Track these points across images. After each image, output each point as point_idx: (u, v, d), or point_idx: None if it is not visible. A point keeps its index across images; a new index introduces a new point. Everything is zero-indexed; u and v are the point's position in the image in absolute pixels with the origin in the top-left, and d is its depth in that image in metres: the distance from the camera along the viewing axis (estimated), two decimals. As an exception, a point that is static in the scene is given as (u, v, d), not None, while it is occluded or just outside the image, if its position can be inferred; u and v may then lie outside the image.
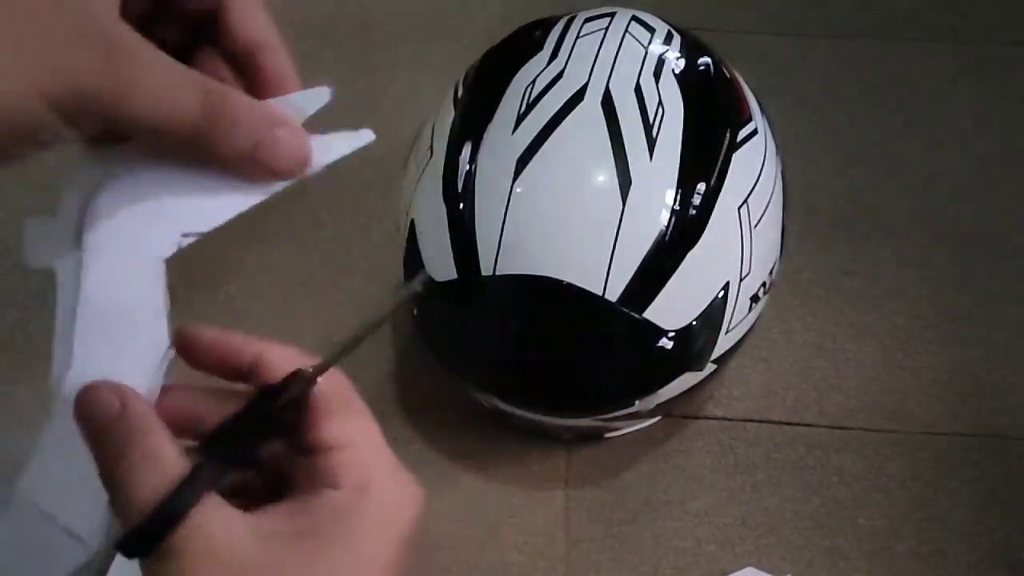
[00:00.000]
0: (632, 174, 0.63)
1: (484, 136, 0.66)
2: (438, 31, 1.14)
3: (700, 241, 0.65)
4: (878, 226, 0.96)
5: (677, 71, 0.67)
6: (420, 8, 1.18)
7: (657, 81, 0.66)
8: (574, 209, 0.64)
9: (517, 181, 0.64)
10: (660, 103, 0.65)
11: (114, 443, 0.33)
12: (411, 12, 1.17)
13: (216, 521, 0.33)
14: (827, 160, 1.01)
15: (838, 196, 0.98)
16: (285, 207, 0.94)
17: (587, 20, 0.70)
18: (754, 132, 0.69)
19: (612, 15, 0.70)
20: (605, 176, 0.63)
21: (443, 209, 0.67)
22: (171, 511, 0.32)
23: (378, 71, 1.10)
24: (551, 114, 0.64)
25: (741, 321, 0.69)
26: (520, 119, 0.65)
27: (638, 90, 0.65)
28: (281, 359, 0.37)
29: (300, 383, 0.36)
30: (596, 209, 0.63)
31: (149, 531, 0.32)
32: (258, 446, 0.36)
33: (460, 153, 0.67)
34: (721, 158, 0.66)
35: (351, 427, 0.36)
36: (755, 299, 0.70)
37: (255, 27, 0.36)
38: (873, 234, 0.95)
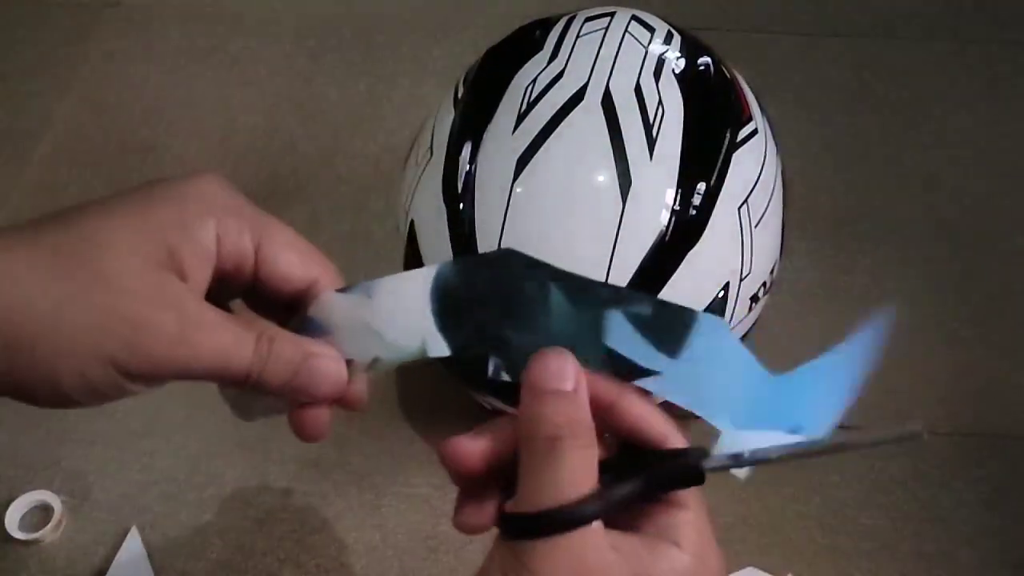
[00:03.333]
0: (632, 174, 0.63)
1: (484, 136, 0.66)
2: (438, 31, 1.14)
3: (700, 241, 0.65)
4: (879, 226, 0.96)
5: (677, 71, 0.67)
6: (421, 8, 1.18)
7: (657, 81, 0.66)
8: (574, 209, 0.64)
9: (517, 181, 0.64)
10: (660, 103, 0.65)
11: (565, 414, 0.37)
12: (412, 12, 1.17)
13: (597, 539, 0.36)
14: (828, 160, 1.01)
15: (839, 196, 0.98)
16: (285, 207, 0.94)
17: (587, 20, 0.70)
18: (754, 132, 0.69)
19: (612, 15, 0.70)
20: (605, 176, 0.63)
21: (443, 209, 0.67)
22: (581, 513, 0.35)
23: (379, 71, 1.10)
24: (551, 114, 0.64)
25: (741, 321, 0.69)
26: (520, 119, 0.65)
27: (638, 90, 0.65)
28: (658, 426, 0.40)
29: (696, 459, 0.39)
30: (596, 209, 0.63)
31: (557, 518, 0.35)
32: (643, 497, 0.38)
33: (460, 153, 0.67)
34: (721, 158, 0.66)
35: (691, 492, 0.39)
36: (755, 299, 0.70)
37: (295, 267, 0.40)
38: (874, 234, 0.95)
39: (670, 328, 0.38)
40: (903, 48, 1.13)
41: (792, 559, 0.75)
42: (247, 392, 0.40)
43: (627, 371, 0.39)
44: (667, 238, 0.64)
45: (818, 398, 0.41)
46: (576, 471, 0.36)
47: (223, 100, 1.08)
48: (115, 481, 0.78)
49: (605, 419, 0.39)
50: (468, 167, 0.66)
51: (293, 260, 0.40)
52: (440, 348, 0.40)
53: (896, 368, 0.86)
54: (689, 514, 0.39)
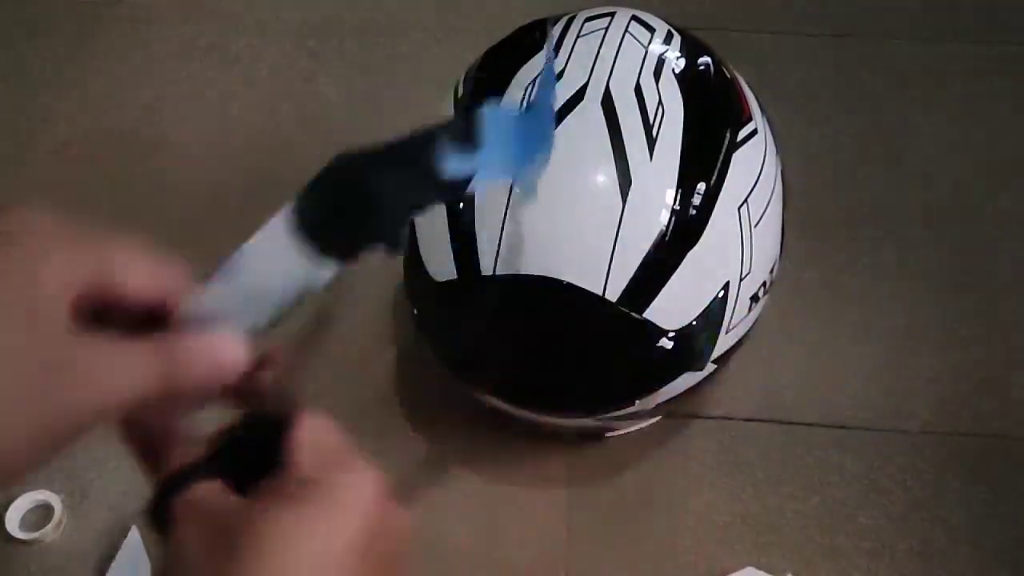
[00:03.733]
0: (632, 174, 0.63)
1: (484, 136, 0.66)
2: (438, 31, 1.14)
3: (700, 241, 0.65)
4: (879, 225, 0.96)
5: (677, 71, 0.67)
6: (420, 8, 1.18)
7: (657, 81, 0.66)
8: (574, 209, 0.64)
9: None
10: (660, 103, 0.65)
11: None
12: (412, 12, 1.17)
13: (207, 492, 0.38)
14: (828, 159, 1.01)
15: (839, 195, 0.98)
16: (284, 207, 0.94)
17: (587, 20, 0.70)
18: (754, 132, 0.69)
19: (612, 15, 0.70)
20: (605, 176, 0.63)
21: (443, 209, 0.67)
22: (176, 484, 0.38)
23: (378, 71, 1.10)
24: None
25: (741, 321, 0.69)
26: (520, 119, 0.65)
27: (638, 90, 0.65)
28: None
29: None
30: (596, 209, 0.63)
31: (161, 499, 0.38)
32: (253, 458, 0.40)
33: (460, 153, 0.67)
34: (721, 158, 0.66)
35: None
36: (755, 299, 0.70)
37: (144, 281, 0.39)
38: (874, 233, 0.95)
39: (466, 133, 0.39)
40: (903, 48, 1.13)
41: (791, 558, 0.75)
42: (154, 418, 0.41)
43: (461, 185, 0.39)
44: (667, 238, 0.64)
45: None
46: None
47: (223, 99, 1.08)
48: (115, 480, 0.78)
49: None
50: (468, 167, 0.66)
51: (138, 274, 0.38)
52: (324, 276, 0.40)
53: (896, 368, 0.86)
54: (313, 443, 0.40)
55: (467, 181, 0.38)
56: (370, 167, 0.39)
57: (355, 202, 0.39)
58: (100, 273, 0.37)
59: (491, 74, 0.70)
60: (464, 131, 0.38)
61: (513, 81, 0.67)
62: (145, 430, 0.42)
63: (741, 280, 0.67)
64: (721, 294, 0.66)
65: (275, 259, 0.39)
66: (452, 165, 0.38)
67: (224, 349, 0.39)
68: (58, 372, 0.35)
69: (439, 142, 0.38)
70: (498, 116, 0.39)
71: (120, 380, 0.36)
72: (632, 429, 0.80)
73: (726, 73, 0.71)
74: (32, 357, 0.35)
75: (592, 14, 0.70)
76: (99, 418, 0.36)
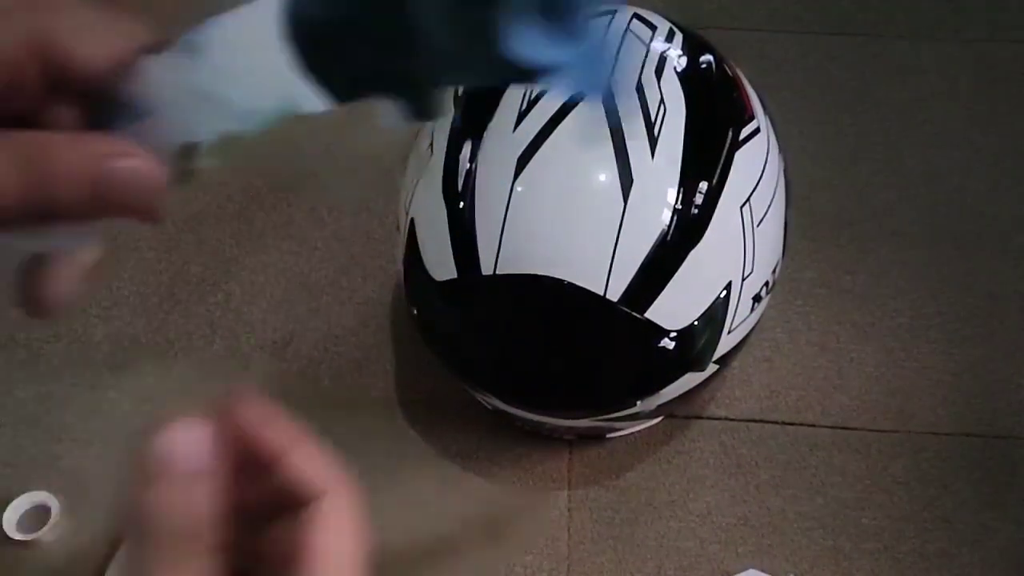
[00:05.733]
0: (633, 173, 0.63)
1: (484, 135, 0.66)
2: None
3: (702, 240, 0.64)
4: (881, 225, 0.96)
5: (679, 69, 0.67)
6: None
7: (659, 79, 0.66)
8: (575, 208, 0.63)
9: (518, 180, 0.64)
10: (662, 101, 0.65)
11: (171, 506, 0.29)
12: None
13: None
14: (829, 159, 1.01)
15: (841, 195, 0.98)
16: (285, 206, 0.94)
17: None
18: (756, 131, 0.69)
19: (614, 13, 0.69)
20: (606, 175, 0.63)
21: (443, 208, 0.66)
22: None
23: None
24: (551, 113, 0.64)
25: (743, 321, 0.69)
26: (520, 118, 0.65)
27: (640, 88, 0.65)
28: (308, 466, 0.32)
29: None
30: (597, 208, 0.63)
31: None
32: None
33: (460, 152, 0.67)
34: (723, 157, 0.66)
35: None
36: (757, 299, 0.70)
37: (93, 47, 0.31)
38: (876, 233, 0.95)
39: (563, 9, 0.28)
40: (904, 47, 1.13)
41: (793, 560, 0.74)
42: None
43: (526, 75, 0.28)
44: (669, 237, 0.63)
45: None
46: None
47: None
48: (113, 480, 0.78)
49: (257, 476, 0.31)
50: (468, 166, 0.66)
51: (89, 40, 0.30)
52: (312, 102, 0.30)
53: (897, 368, 0.85)
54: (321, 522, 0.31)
55: (535, 72, 0.28)
56: None
57: (381, 28, 0.28)
58: (44, 33, 0.30)
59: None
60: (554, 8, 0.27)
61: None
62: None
63: (743, 280, 0.67)
64: (723, 294, 0.66)
65: (252, 57, 0.30)
66: (524, 42, 0.27)
67: (127, 164, 0.29)
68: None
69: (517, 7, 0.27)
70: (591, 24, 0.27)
71: None
72: (634, 430, 0.79)
73: (728, 71, 0.71)
74: None
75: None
76: None
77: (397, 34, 0.28)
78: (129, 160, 0.29)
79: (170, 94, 0.30)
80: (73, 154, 0.29)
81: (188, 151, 0.31)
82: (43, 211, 0.29)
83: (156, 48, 0.31)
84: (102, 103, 0.30)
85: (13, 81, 0.30)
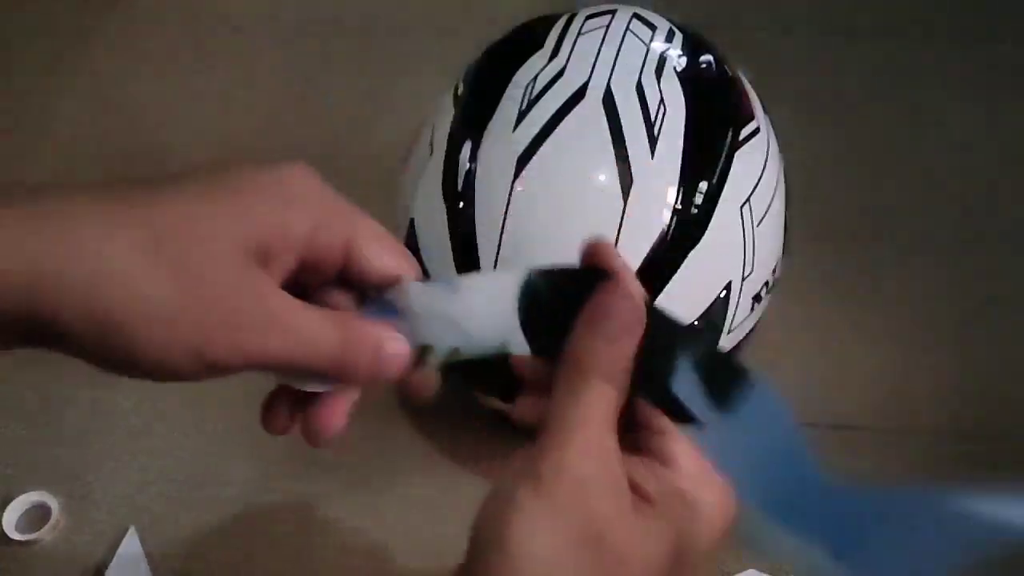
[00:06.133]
0: (633, 173, 0.63)
1: (484, 134, 0.66)
2: (439, 29, 1.14)
3: (702, 240, 0.64)
4: (882, 225, 0.95)
5: (679, 69, 0.67)
6: (421, 6, 1.18)
7: (659, 79, 0.66)
8: (575, 208, 0.63)
9: (518, 180, 0.63)
10: (662, 101, 0.65)
11: (611, 359, 0.39)
12: (412, 11, 1.17)
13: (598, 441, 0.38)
14: (830, 158, 1.01)
15: (841, 195, 0.98)
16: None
17: (588, 18, 0.69)
18: (756, 130, 0.69)
19: (613, 13, 0.69)
20: (606, 175, 0.63)
21: (443, 208, 0.66)
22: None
23: (379, 70, 1.09)
24: (552, 112, 0.64)
25: (743, 321, 0.69)
26: (521, 117, 0.65)
27: (639, 88, 0.65)
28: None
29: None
30: (597, 208, 0.63)
31: None
32: None
33: (460, 151, 0.67)
34: (723, 157, 0.66)
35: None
36: (757, 299, 0.69)
37: (385, 264, 0.41)
38: (877, 233, 0.95)
39: (726, 381, 0.39)
40: (905, 47, 1.12)
41: (794, 560, 0.74)
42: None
43: (679, 414, 0.39)
44: (669, 237, 0.63)
45: (883, 537, 0.36)
46: (601, 406, 0.38)
47: (225, 99, 1.07)
48: (113, 481, 0.78)
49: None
50: (468, 166, 0.66)
51: (382, 256, 0.41)
52: (521, 348, 0.41)
53: (898, 368, 0.85)
54: (684, 444, 0.40)
55: (692, 416, 0.38)
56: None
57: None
58: (350, 242, 0.40)
59: (492, 72, 0.69)
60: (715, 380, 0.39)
61: (513, 80, 0.67)
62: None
63: (743, 280, 0.67)
64: (723, 294, 0.66)
65: (487, 308, 0.41)
66: (688, 393, 0.38)
67: (395, 347, 0.40)
68: (251, 318, 0.37)
69: (685, 365, 0.38)
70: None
71: (295, 344, 0.38)
72: (634, 430, 0.79)
73: (728, 71, 0.71)
74: (237, 293, 0.37)
75: (593, 12, 0.70)
76: (256, 368, 0.38)
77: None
78: (397, 345, 0.40)
79: (425, 311, 0.41)
80: (369, 329, 0.40)
81: (422, 352, 0.41)
82: (343, 371, 0.40)
83: (419, 278, 0.42)
84: (373, 299, 0.41)
85: (327, 267, 0.40)
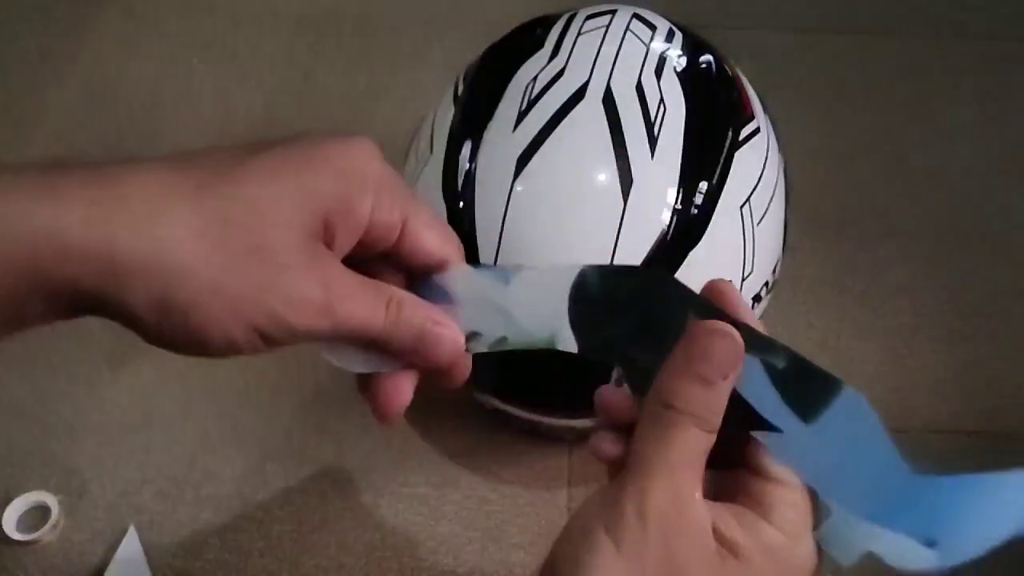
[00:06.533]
0: (633, 173, 0.63)
1: (484, 134, 0.66)
2: (438, 28, 1.13)
3: (702, 240, 0.64)
4: (882, 223, 0.95)
5: (679, 69, 0.67)
6: (421, 4, 1.17)
7: (659, 79, 0.65)
8: (575, 208, 0.63)
9: (517, 180, 0.63)
10: (662, 101, 0.65)
11: (706, 403, 0.38)
12: (412, 8, 1.17)
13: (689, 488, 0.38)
14: (830, 158, 1.01)
15: (841, 194, 0.98)
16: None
17: (588, 18, 0.69)
18: (756, 130, 0.69)
19: (613, 12, 0.69)
20: (606, 175, 0.63)
21: (443, 207, 0.66)
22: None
23: (378, 67, 1.09)
24: (552, 112, 0.64)
25: (743, 321, 0.69)
26: (520, 117, 0.64)
27: (639, 88, 0.65)
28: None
29: None
30: (597, 208, 0.63)
31: None
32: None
33: (460, 151, 0.66)
34: (723, 156, 0.66)
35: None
36: (757, 298, 0.69)
37: (436, 246, 0.42)
38: (876, 232, 0.95)
39: (809, 390, 0.38)
40: (905, 45, 1.12)
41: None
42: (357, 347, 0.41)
43: (747, 419, 0.38)
44: (668, 237, 0.63)
45: (969, 516, 0.37)
46: (690, 451, 0.38)
47: (222, 93, 1.07)
48: (112, 480, 0.78)
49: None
50: (468, 165, 0.66)
51: (434, 238, 0.42)
52: (569, 344, 0.41)
53: (898, 367, 0.85)
54: (786, 491, 0.38)
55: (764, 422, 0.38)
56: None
57: (635, 328, 0.40)
58: (403, 221, 0.41)
59: (491, 72, 0.69)
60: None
61: (513, 80, 0.66)
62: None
63: (743, 279, 0.67)
64: (723, 294, 0.66)
65: (539, 300, 0.41)
66: (776, 408, 0.38)
67: (446, 332, 0.41)
68: (311, 294, 0.38)
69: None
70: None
71: (349, 319, 0.38)
72: (633, 429, 0.79)
73: (728, 71, 0.71)
74: (298, 270, 0.37)
75: (593, 12, 0.70)
76: (308, 340, 0.39)
77: (643, 336, 0.40)
78: (446, 329, 0.41)
79: (476, 298, 0.41)
80: (419, 310, 0.41)
81: (468, 338, 0.41)
82: (385, 344, 0.40)
83: (467, 262, 0.43)
84: (423, 280, 0.42)
85: (380, 244, 0.41)
